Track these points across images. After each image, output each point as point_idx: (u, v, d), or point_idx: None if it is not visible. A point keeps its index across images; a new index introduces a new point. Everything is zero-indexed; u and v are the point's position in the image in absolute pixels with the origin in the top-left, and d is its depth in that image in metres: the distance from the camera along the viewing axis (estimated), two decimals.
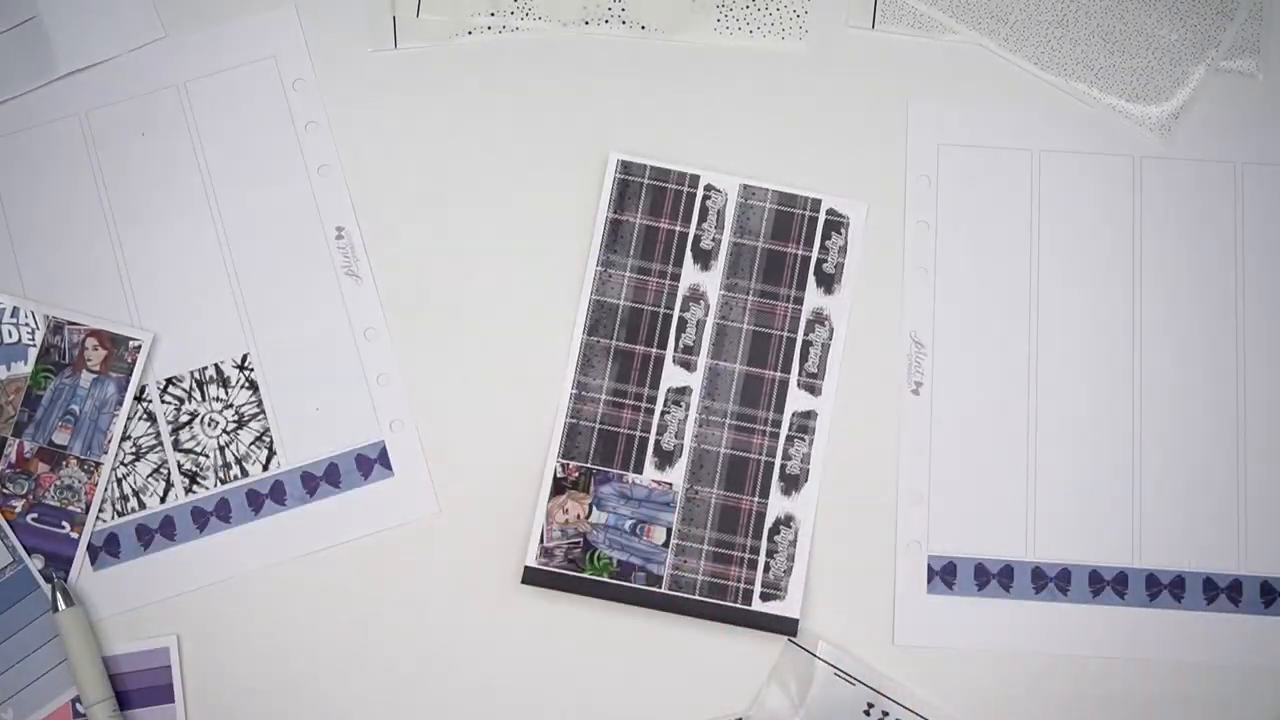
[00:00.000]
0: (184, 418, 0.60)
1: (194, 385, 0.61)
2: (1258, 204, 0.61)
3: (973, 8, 0.63)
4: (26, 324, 0.60)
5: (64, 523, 0.59)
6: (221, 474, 0.60)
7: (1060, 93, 0.63)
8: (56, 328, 0.60)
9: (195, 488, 0.60)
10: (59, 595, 0.58)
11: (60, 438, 0.60)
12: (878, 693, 0.57)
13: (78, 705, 0.58)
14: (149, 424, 0.60)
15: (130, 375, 0.60)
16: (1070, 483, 0.60)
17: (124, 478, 0.60)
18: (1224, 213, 0.62)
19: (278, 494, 0.60)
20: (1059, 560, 0.59)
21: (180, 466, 0.60)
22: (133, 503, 0.60)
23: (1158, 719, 0.58)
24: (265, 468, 0.60)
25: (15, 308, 0.60)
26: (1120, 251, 0.61)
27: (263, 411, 0.60)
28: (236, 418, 0.60)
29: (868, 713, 0.57)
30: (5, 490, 0.59)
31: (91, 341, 0.60)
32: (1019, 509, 0.60)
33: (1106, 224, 0.62)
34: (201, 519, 0.60)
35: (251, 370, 0.61)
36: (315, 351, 0.61)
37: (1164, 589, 0.59)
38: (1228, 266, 0.61)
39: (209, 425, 0.60)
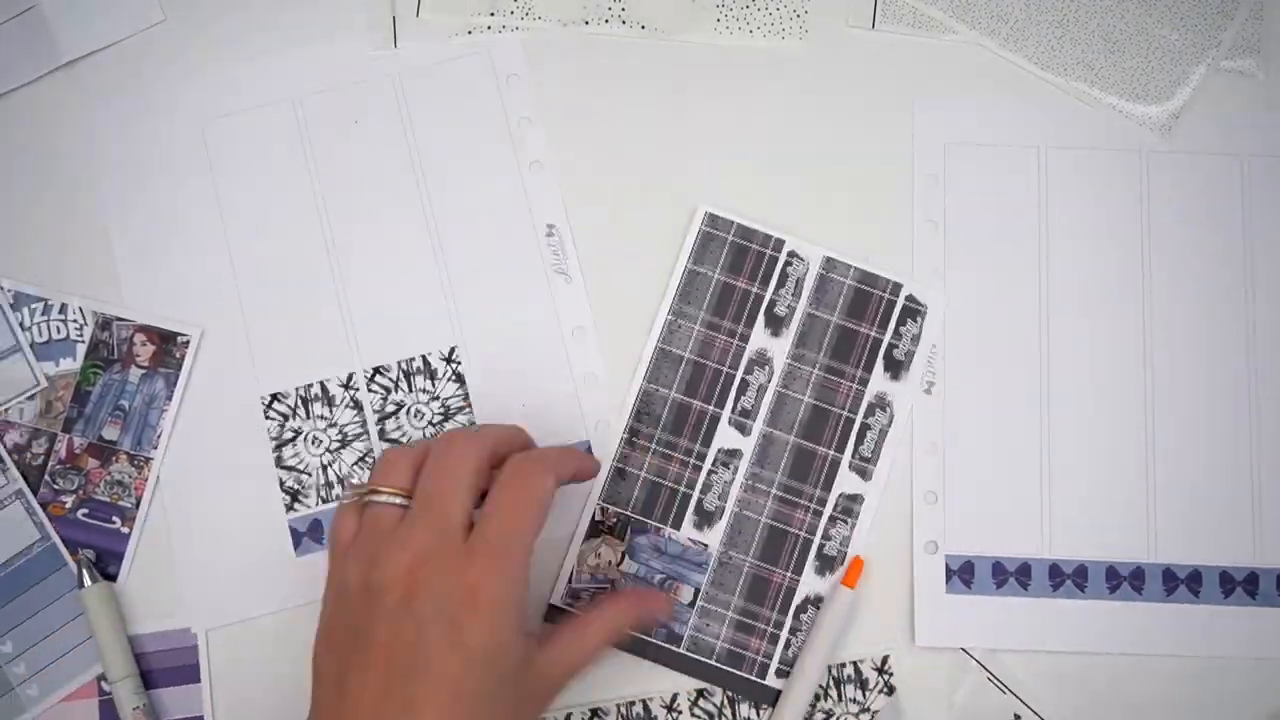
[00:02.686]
0: (390, 408, 0.60)
1: (400, 375, 0.60)
2: (1265, 196, 0.61)
3: (973, 7, 0.63)
4: (75, 320, 0.60)
5: (114, 518, 0.59)
6: None
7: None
8: (105, 324, 0.60)
9: None
10: (85, 571, 0.57)
11: (110, 433, 0.59)
12: (1026, 705, 0.56)
13: (103, 682, 0.57)
14: (355, 412, 0.60)
15: (179, 370, 0.60)
16: (1085, 479, 0.59)
17: (330, 464, 0.59)
18: (1232, 205, 0.61)
19: None
20: (1076, 557, 0.58)
21: None
22: (337, 490, 0.59)
23: (1178, 713, 0.57)
24: None
25: (64, 304, 0.60)
26: (1130, 246, 0.61)
27: (469, 405, 0.60)
28: (443, 410, 0.60)
29: None
30: (56, 486, 0.59)
31: (140, 337, 0.60)
32: (1034, 506, 0.59)
33: (1115, 219, 0.61)
34: None
35: (459, 364, 0.60)
36: (523, 348, 0.60)
37: (1181, 584, 0.58)
38: (1237, 259, 0.61)
39: (415, 416, 0.60)
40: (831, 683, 0.57)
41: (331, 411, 0.60)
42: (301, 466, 0.59)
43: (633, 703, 0.57)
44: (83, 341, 0.60)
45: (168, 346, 0.60)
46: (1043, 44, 0.63)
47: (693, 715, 0.57)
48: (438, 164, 0.62)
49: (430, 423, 0.59)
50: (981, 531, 0.58)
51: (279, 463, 0.59)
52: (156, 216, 0.61)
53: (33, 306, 0.60)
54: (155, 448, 0.59)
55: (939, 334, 0.60)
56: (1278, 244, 0.61)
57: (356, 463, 0.59)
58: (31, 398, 0.59)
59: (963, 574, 0.58)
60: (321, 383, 0.60)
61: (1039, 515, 0.59)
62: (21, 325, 0.60)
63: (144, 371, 0.60)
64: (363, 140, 0.62)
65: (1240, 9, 0.63)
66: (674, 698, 0.57)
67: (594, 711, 0.57)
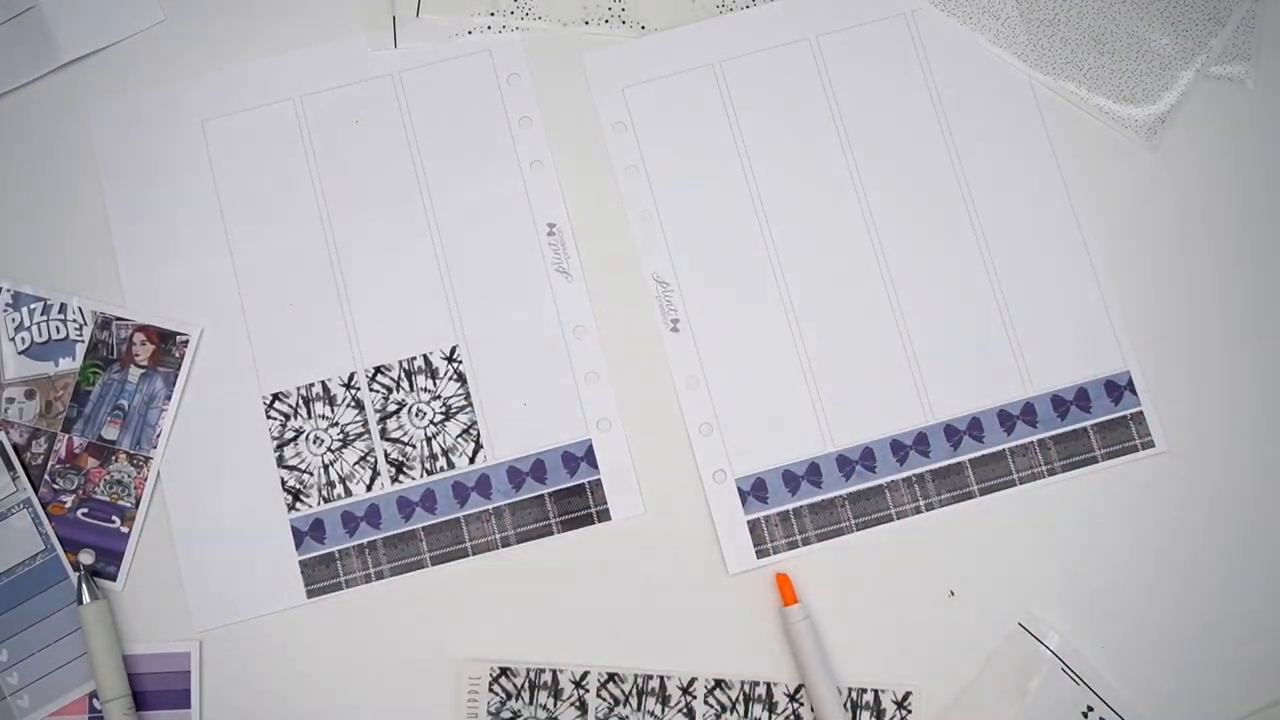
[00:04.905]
0: (391, 407, 0.60)
1: (402, 375, 0.60)
2: (938, 53, 0.63)
3: (964, 2, 0.64)
4: (74, 320, 0.60)
5: (114, 517, 0.59)
6: (428, 465, 0.59)
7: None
8: (104, 323, 0.60)
9: (401, 477, 0.59)
10: (84, 588, 0.57)
11: (109, 433, 0.60)
12: (1098, 696, 0.57)
13: (94, 700, 0.57)
14: (357, 411, 0.60)
15: (179, 370, 0.60)
16: (846, 367, 0.60)
17: (331, 464, 0.59)
18: (911, 69, 0.63)
19: (483, 488, 0.59)
20: (859, 441, 0.60)
21: (387, 455, 0.59)
22: (339, 489, 0.59)
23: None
24: (472, 461, 0.59)
25: (63, 304, 0.60)
26: (825, 134, 0.62)
27: (470, 405, 0.60)
28: (444, 409, 0.60)
29: (1085, 715, 0.57)
30: (55, 485, 0.59)
31: (139, 337, 0.60)
32: (806, 409, 0.60)
33: (803, 110, 0.63)
34: (407, 509, 0.59)
35: (460, 363, 0.60)
36: (524, 347, 0.60)
37: (964, 434, 0.59)
38: (931, 125, 0.63)
39: (416, 416, 0.60)
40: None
41: (333, 411, 0.60)
42: (303, 466, 0.59)
43: (650, 676, 0.58)
44: (82, 341, 0.60)
45: (167, 346, 0.60)
46: (1032, 42, 0.63)
47: (706, 704, 0.57)
48: (438, 163, 0.62)
49: (432, 421, 0.60)
50: (764, 446, 0.59)
51: (280, 462, 0.59)
52: (156, 216, 0.61)
53: (32, 306, 0.60)
54: (155, 447, 0.59)
55: (670, 273, 0.61)
56: (960, 98, 0.63)
57: (358, 462, 0.59)
58: (32, 397, 0.59)
59: (756, 492, 0.59)
60: (323, 382, 0.60)
61: (813, 416, 0.60)
62: (21, 325, 0.60)
63: (143, 371, 0.60)
64: (363, 139, 0.62)
65: (1232, 16, 0.64)
66: (691, 681, 0.58)
67: (611, 675, 0.58)
